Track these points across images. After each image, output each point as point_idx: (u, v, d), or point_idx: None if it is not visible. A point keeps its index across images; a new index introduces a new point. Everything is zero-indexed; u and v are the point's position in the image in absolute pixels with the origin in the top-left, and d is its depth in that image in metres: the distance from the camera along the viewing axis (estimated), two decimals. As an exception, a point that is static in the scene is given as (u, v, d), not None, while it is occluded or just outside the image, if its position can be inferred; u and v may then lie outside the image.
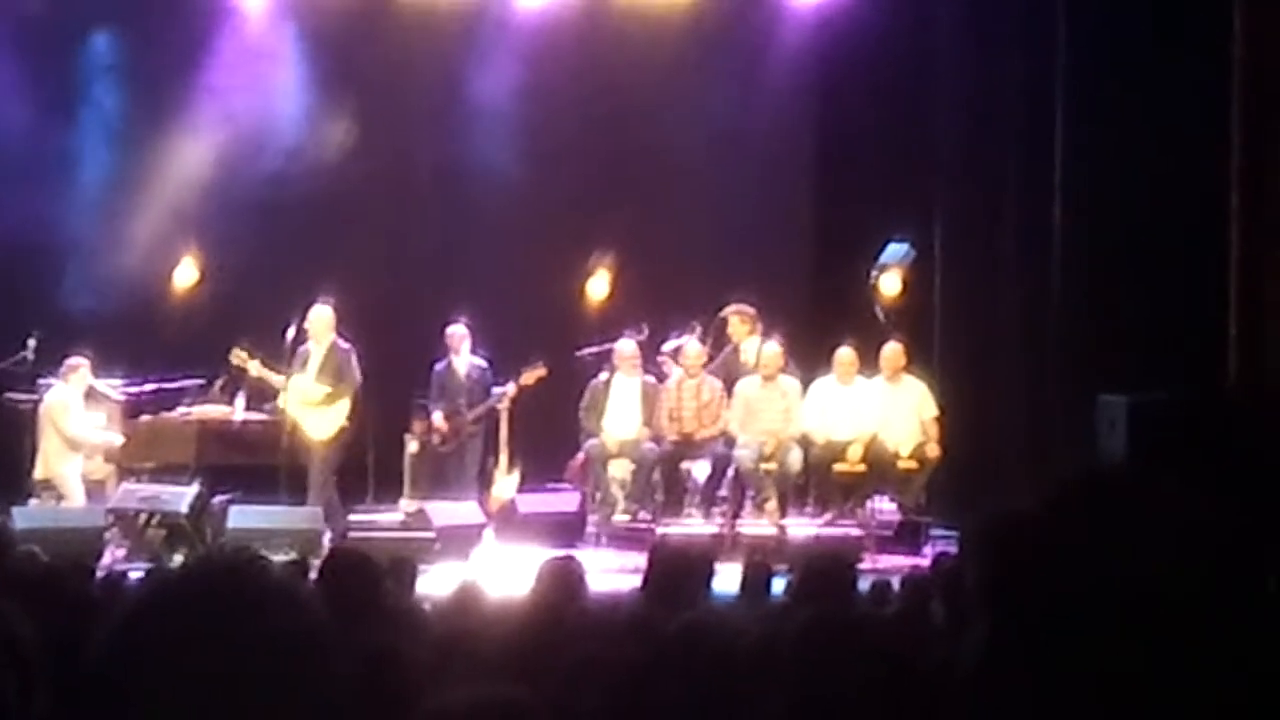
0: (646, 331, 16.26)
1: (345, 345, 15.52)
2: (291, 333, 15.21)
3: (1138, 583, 1.98)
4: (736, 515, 15.43)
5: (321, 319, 15.48)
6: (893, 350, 15.94)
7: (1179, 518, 2.07)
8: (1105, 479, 2.15)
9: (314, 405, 15.36)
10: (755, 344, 16.16)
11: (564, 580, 8.01)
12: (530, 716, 2.53)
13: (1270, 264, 13.68)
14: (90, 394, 15.30)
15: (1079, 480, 2.12)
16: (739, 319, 16.29)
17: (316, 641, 1.91)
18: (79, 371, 15.14)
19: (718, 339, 16.36)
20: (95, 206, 16.98)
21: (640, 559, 9.76)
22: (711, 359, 16.11)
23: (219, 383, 15.68)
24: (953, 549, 11.96)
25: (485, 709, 2.49)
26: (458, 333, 16.15)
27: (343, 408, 15.45)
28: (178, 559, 13.59)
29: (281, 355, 15.30)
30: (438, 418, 16.06)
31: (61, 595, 8.33)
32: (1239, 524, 2.16)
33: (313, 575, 10.86)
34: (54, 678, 4.68)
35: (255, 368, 15.36)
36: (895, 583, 9.66)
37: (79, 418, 15.15)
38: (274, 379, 15.36)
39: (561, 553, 10.55)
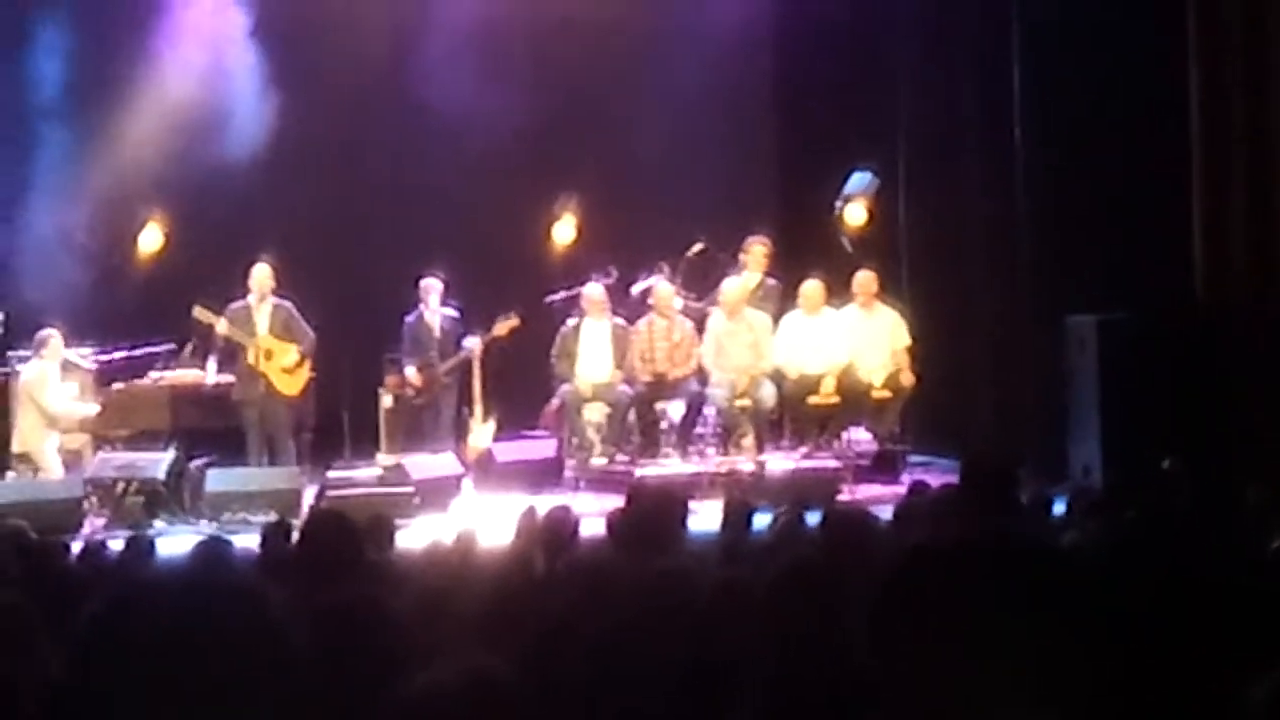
0: (615, 274, 16.27)
1: (284, 302, 15.64)
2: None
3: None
4: (716, 452, 15.49)
5: (263, 277, 15.59)
6: (865, 277, 16.01)
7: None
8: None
9: (279, 361, 15.47)
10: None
11: (556, 532, 8.06)
12: (506, 691, 2.56)
13: (1233, 180, 13.72)
14: (64, 365, 15.27)
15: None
16: (764, 249, 16.31)
17: (276, 640, 1.93)
18: (51, 344, 15.10)
19: (695, 275, 16.39)
20: (56, 179, 16.85)
21: (619, 501, 9.83)
22: (685, 299, 16.15)
23: (189, 347, 15.68)
24: (929, 478, 12.06)
25: (462, 687, 2.51)
26: (429, 285, 16.15)
27: (305, 362, 15.59)
28: (158, 525, 13.64)
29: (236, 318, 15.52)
30: (411, 371, 16.05)
31: (42, 569, 8.36)
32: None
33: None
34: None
35: (221, 324, 15.42)
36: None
37: (57, 392, 15.11)
38: (240, 336, 15.44)
39: (543, 501, 10.66)
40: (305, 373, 15.68)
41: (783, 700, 3.43)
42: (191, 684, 1.88)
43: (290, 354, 15.57)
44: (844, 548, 5.56)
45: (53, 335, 15.12)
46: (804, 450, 15.50)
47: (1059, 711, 1.90)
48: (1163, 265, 14.09)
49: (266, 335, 15.55)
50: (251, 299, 15.64)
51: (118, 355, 15.67)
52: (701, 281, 16.42)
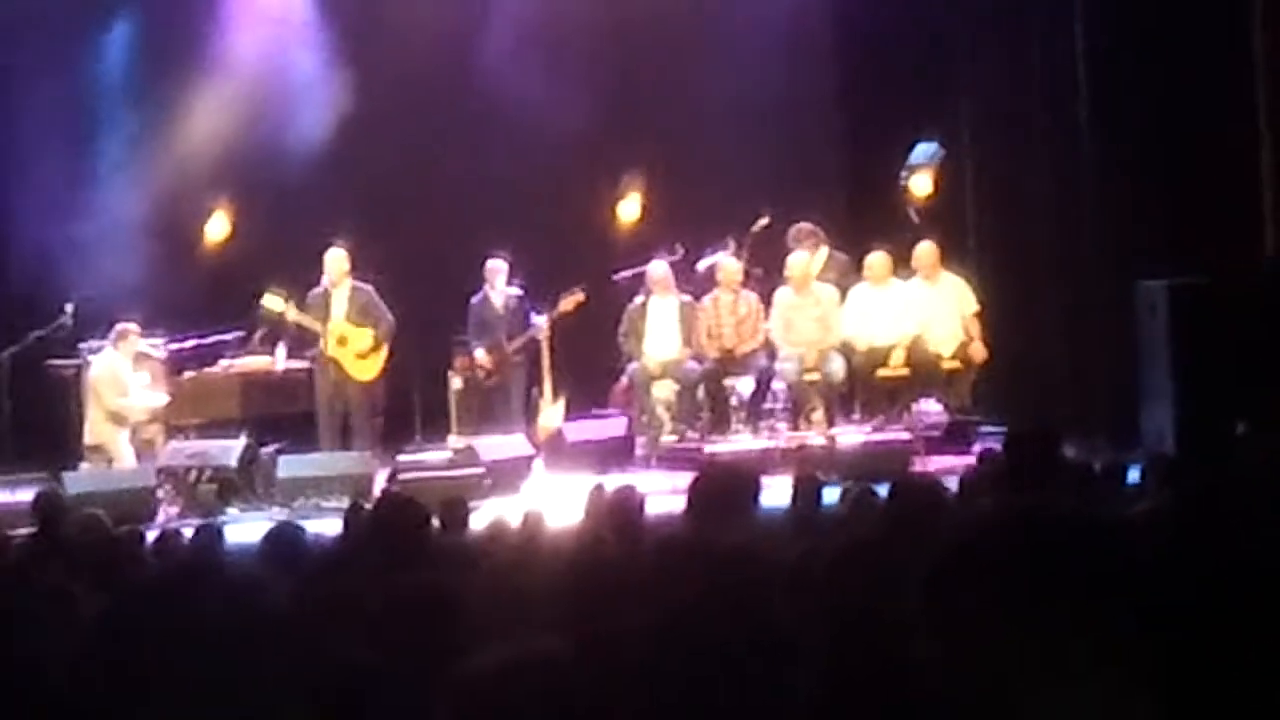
0: (681, 251, 16.23)
1: (364, 286, 15.69)
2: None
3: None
4: (786, 427, 15.45)
5: (337, 261, 15.63)
6: (926, 249, 15.93)
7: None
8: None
9: (354, 347, 15.53)
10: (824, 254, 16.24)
11: (622, 510, 8.05)
12: (565, 674, 2.55)
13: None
14: (136, 355, 15.35)
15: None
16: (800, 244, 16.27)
17: (274, 632, 1.95)
18: (129, 339, 15.18)
19: (762, 250, 16.35)
20: (122, 167, 16.95)
21: (690, 479, 9.79)
22: (748, 274, 16.09)
23: (258, 334, 15.74)
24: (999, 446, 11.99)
25: (520, 669, 2.51)
26: (494, 266, 16.16)
27: (382, 347, 15.62)
28: (231, 512, 13.72)
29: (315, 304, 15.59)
30: (480, 353, 16.07)
31: (116, 560, 8.42)
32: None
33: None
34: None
35: (291, 311, 15.48)
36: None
37: (124, 388, 15.14)
38: (311, 323, 15.50)
39: (614, 479, 10.65)
40: (381, 357, 15.70)
41: (836, 679, 3.41)
42: (202, 678, 1.89)
43: (365, 339, 15.60)
44: (912, 520, 5.52)
45: (130, 330, 15.18)
46: (875, 423, 15.44)
47: (1117, 687, 1.87)
48: (1232, 228, 13.95)
49: (341, 321, 15.58)
50: (326, 284, 15.69)
51: (187, 344, 15.75)
52: (768, 256, 16.36)
